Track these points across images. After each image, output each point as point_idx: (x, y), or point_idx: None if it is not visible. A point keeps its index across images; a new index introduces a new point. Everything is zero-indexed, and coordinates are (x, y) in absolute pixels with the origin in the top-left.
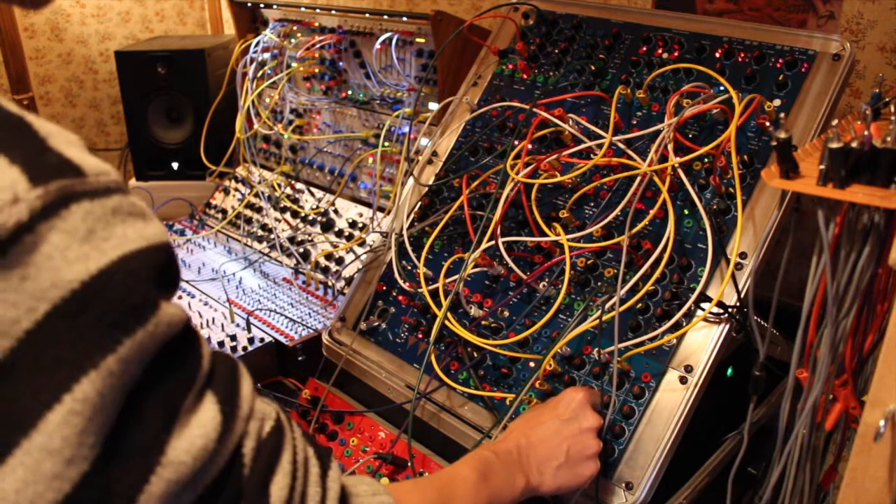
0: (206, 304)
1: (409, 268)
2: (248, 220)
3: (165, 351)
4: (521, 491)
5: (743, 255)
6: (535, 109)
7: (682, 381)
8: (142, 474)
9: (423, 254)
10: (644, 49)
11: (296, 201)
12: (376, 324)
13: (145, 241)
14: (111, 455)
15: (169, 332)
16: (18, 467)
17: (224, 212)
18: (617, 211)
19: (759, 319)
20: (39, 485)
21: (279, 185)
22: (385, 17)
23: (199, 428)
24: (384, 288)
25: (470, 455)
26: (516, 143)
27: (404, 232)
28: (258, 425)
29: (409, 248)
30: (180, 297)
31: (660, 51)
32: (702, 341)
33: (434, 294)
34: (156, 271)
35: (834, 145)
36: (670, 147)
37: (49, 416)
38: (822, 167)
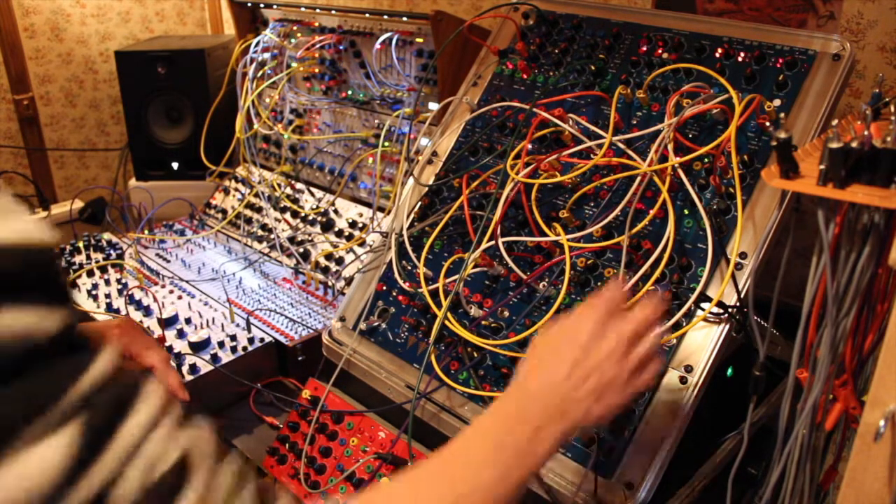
0: (206, 304)
1: (409, 268)
2: (248, 220)
3: (15, 366)
4: (553, 446)
5: (743, 255)
6: (535, 109)
7: (682, 381)
8: None
9: (423, 254)
10: (644, 49)
11: (296, 201)
12: (376, 324)
13: (3, 240)
14: None
15: (11, 342)
16: None
17: (224, 212)
18: (617, 211)
19: (759, 319)
20: None
21: (279, 185)
22: (385, 17)
23: (39, 460)
24: (384, 288)
25: (492, 410)
26: (516, 143)
27: (404, 232)
28: (144, 467)
29: (409, 248)
30: (180, 297)
31: (660, 51)
32: (702, 341)
33: (434, 294)
34: (4, 274)
35: (834, 145)
36: (670, 147)
37: None
38: (822, 167)
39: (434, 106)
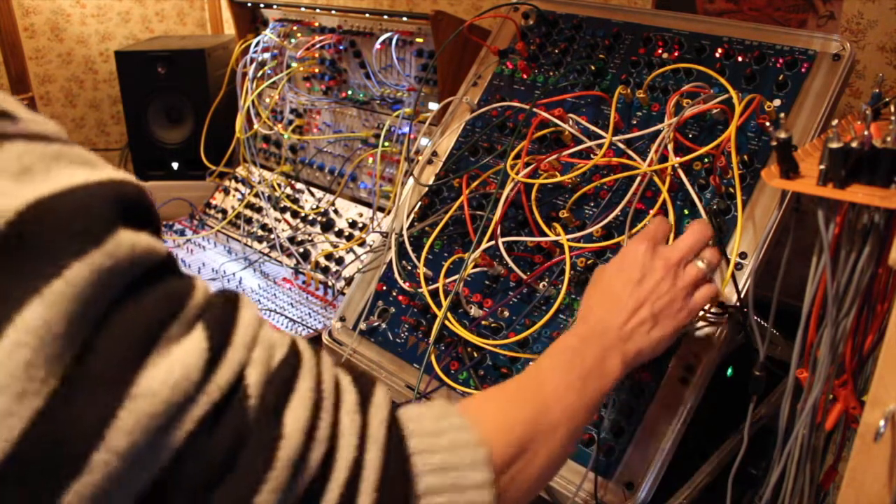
0: None
1: (409, 268)
2: (248, 220)
3: (144, 278)
4: (620, 370)
5: (743, 255)
6: (535, 109)
7: (682, 381)
8: (107, 408)
9: (423, 254)
10: (644, 49)
11: (296, 201)
12: (376, 324)
13: (98, 177)
14: (71, 388)
15: (138, 257)
16: None
17: (224, 212)
18: (617, 211)
19: (759, 319)
20: None
21: (279, 185)
22: (385, 17)
23: (181, 356)
24: (384, 288)
25: (554, 350)
26: (516, 143)
27: (404, 232)
28: (265, 354)
29: (409, 248)
30: None
31: (660, 51)
32: (702, 341)
33: (434, 294)
34: (114, 201)
35: (834, 145)
36: (670, 147)
37: None
38: (822, 167)
39: (434, 106)
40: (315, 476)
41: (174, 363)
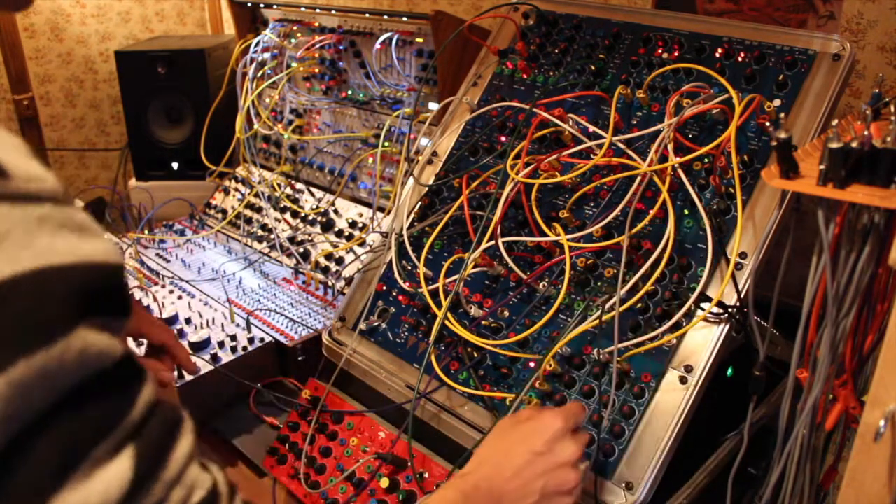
0: (206, 304)
1: (409, 268)
2: (248, 220)
3: (85, 387)
4: None
5: (743, 255)
6: (535, 109)
7: (682, 381)
8: None
9: (423, 254)
10: (644, 49)
11: (296, 201)
12: (376, 324)
13: (74, 258)
14: None
15: (85, 362)
16: None
17: (224, 212)
18: (617, 211)
19: (759, 319)
20: None
21: (279, 185)
22: (385, 17)
23: (101, 484)
24: (384, 288)
25: (437, 495)
26: (516, 143)
27: (404, 232)
28: (183, 494)
29: (409, 248)
30: (180, 297)
31: (660, 51)
32: (702, 341)
33: (434, 294)
34: (80, 292)
35: (834, 145)
36: (670, 147)
37: None
38: (822, 167)
39: (434, 106)
40: None
41: (92, 492)
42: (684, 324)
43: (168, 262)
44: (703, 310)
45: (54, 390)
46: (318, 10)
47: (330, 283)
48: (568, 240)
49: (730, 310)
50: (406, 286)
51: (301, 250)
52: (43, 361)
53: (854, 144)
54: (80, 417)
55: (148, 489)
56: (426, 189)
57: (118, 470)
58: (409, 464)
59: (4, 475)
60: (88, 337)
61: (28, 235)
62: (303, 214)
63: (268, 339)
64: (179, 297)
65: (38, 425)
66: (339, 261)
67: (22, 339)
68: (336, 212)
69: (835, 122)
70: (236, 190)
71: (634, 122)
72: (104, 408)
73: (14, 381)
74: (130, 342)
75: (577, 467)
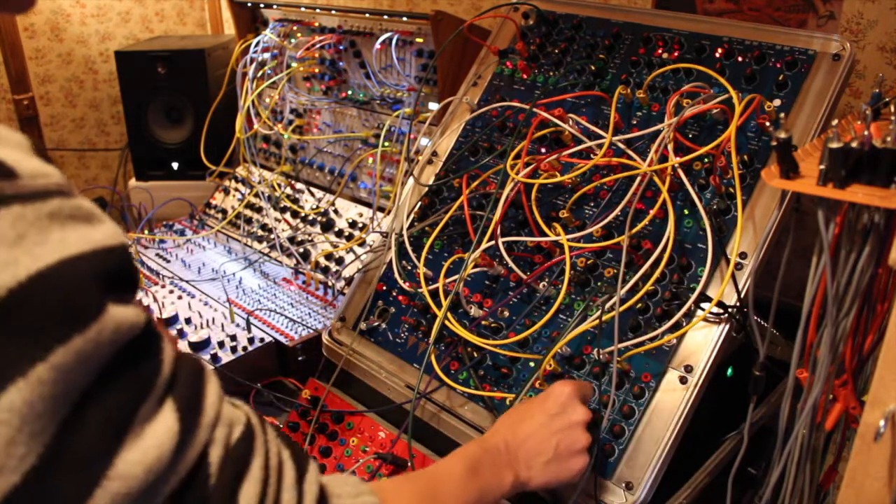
0: (206, 304)
1: (409, 268)
2: (248, 220)
3: (120, 357)
4: (510, 486)
5: (743, 255)
6: (535, 109)
7: (682, 381)
8: (84, 487)
9: (423, 254)
10: (644, 49)
11: (296, 201)
12: (376, 324)
13: (90, 245)
14: (49, 467)
15: (119, 337)
16: None
17: (224, 212)
18: (617, 211)
19: (759, 319)
20: None
21: (279, 185)
22: (385, 17)
23: (154, 438)
24: (384, 288)
25: (459, 451)
26: (516, 143)
27: (404, 232)
28: (225, 432)
29: (409, 248)
30: (180, 297)
31: (660, 51)
32: (702, 341)
33: (434, 294)
34: (103, 275)
35: (834, 145)
36: (670, 147)
37: None
38: (822, 167)
39: (434, 106)
40: None
41: (148, 446)
42: (684, 324)
43: (168, 262)
44: (703, 310)
45: (94, 368)
46: (318, 10)
47: (330, 283)
48: (568, 240)
49: (730, 310)
50: (406, 286)
51: (301, 250)
52: (80, 345)
53: (854, 144)
54: (121, 385)
55: (194, 434)
56: (426, 189)
57: (165, 423)
58: (409, 464)
59: (66, 450)
60: (117, 314)
61: (42, 232)
62: (303, 214)
63: (268, 339)
64: (179, 297)
65: (85, 400)
66: (339, 261)
67: (56, 329)
68: (336, 212)
69: (835, 122)
70: (236, 190)
71: (634, 122)
72: (140, 372)
73: (56, 366)
74: None
75: (587, 429)
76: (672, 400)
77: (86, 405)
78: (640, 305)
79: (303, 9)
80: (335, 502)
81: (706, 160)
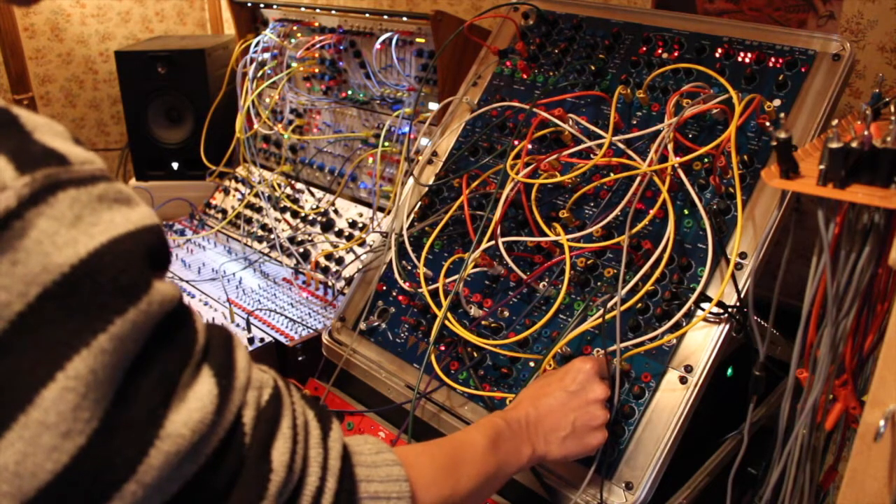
0: (206, 304)
1: (409, 268)
2: (248, 220)
3: (161, 328)
4: (528, 459)
5: (743, 255)
6: (535, 109)
7: (682, 381)
8: (140, 447)
9: (423, 254)
10: (644, 49)
11: (296, 201)
12: (376, 324)
13: (133, 225)
14: (109, 429)
15: (162, 309)
16: (17, 441)
17: (224, 212)
18: (617, 211)
19: (759, 319)
20: (38, 456)
21: (279, 185)
22: (385, 17)
23: (197, 401)
24: (384, 288)
25: (481, 421)
26: (516, 143)
27: (404, 232)
28: (256, 394)
29: (409, 248)
30: None
31: (660, 51)
32: (702, 341)
33: (434, 294)
34: (146, 252)
35: (834, 145)
36: (670, 147)
37: (44, 393)
38: (822, 167)
39: (434, 106)
40: (287, 502)
41: (192, 409)
42: (684, 324)
43: None
44: (703, 310)
45: (142, 338)
46: (318, 10)
47: (330, 283)
48: (568, 240)
49: (730, 310)
50: (406, 286)
51: (301, 250)
52: (134, 317)
53: (854, 144)
54: (164, 354)
55: (230, 397)
56: (426, 189)
57: (205, 386)
58: None
59: (123, 414)
60: (161, 288)
61: (95, 213)
62: (303, 214)
63: (268, 339)
64: None
65: (135, 368)
66: (339, 261)
67: (114, 302)
68: (336, 212)
69: (835, 122)
70: (236, 190)
71: (634, 122)
72: (179, 341)
73: (115, 336)
74: None
75: (605, 406)
76: (672, 400)
77: (136, 372)
78: (640, 305)
79: (303, 9)
80: (357, 458)
81: (706, 160)
